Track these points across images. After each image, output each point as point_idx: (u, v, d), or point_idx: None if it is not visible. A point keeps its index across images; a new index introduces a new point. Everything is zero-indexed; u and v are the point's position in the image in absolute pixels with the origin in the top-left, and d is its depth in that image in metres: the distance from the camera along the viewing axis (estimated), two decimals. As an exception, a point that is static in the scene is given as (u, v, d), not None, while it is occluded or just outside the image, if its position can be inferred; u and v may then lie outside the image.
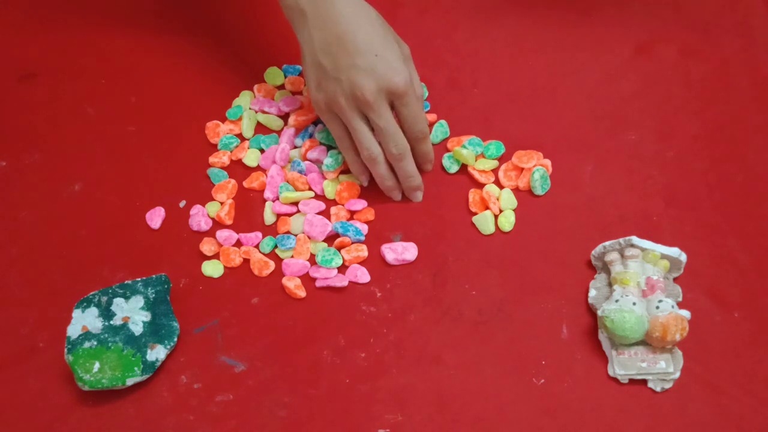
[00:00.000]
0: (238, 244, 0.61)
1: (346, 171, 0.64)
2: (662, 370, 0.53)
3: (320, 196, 0.63)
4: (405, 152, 0.59)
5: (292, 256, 0.60)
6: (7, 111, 0.69)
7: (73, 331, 0.54)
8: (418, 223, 0.61)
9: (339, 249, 0.60)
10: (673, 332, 0.51)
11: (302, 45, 0.58)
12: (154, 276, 0.57)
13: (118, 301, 0.56)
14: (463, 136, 0.65)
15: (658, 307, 0.52)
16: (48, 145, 0.67)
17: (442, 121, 0.66)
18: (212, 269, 0.59)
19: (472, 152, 0.63)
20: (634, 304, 0.53)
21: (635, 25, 0.72)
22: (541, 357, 0.55)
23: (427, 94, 0.68)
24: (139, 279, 0.57)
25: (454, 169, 0.63)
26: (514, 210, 0.61)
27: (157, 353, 0.54)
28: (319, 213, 0.61)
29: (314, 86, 0.58)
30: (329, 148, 0.64)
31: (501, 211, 0.61)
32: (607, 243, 0.57)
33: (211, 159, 0.65)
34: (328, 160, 0.62)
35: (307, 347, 0.56)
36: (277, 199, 0.63)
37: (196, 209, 0.62)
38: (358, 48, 0.55)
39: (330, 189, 0.62)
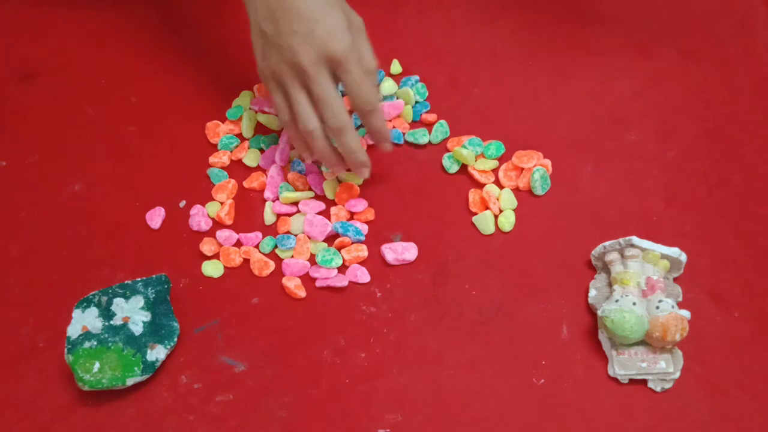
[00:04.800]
0: (238, 244, 0.61)
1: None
2: (662, 370, 0.53)
3: (320, 196, 0.63)
4: (345, 125, 0.55)
5: (292, 256, 0.60)
6: (7, 111, 0.69)
7: (73, 331, 0.54)
8: (418, 223, 0.61)
9: (339, 249, 0.60)
10: (673, 332, 0.51)
11: (249, 15, 0.57)
12: (154, 276, 0.57)
13: (118, 301, 0.56)
14: (463, 136, 0.65)
15: (658, 307, 0.52)
16: (48, 145, 0.67)
17: (442, 121, 0.66)
18: (212, 269, 0.59)
19: (472, 152, 0.63)
20: (634, 304, 0.53)
21: (635, 25, 0.72)
22: (541, 357, 0.55)
23: (426, 94, 0.68)
24: (139, 279, 0.57)
25: (454, 169, 0.63)
26: (514, 210, 0.61)
27: (157, 353, 0.54)
28: (319, 213, 0.61)
29: (260, 55, 0.57)
30: None
31: (501, 211, 0.61)
32: (607, 243, 0.57)
33: (211, 159, 0.65)
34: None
35: (307, 347, 0.56)
36: (277, 199, 0.63)
37: (196, 209, 0.62)
38: (299, 13, 0.53)
39: (330, 189, 0.62)
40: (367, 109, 0.56)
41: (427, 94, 0.68)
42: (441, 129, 0.65)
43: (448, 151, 0.65)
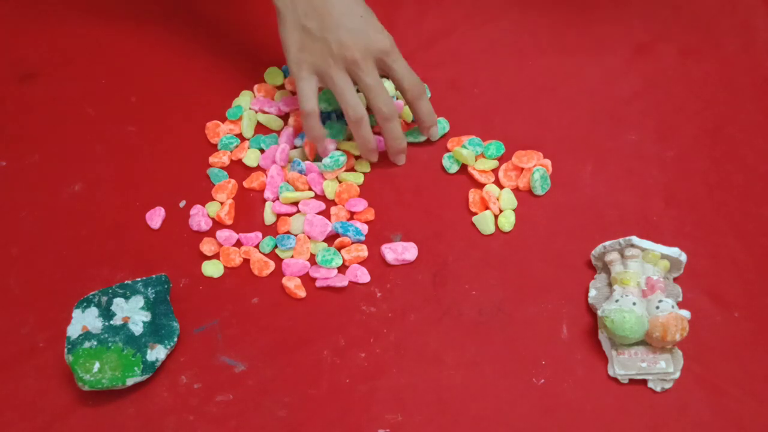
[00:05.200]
0: (238, 244, 0.61)
1: (346, 170, 0.64)
2: (662, 370, 0.53)
3: (320, 196, 0.63)
4: (394, 113, 0.60)
5: (292, 256, 0.60)
6: (7, 111, 0.69)
7: (73, 331, 0.54)
8: (418, 223, 0.61)
9: (339, 249, 0.60)
10: (673, 332, 0.51)
11: (282, 10, 0.59)
12: (154, 276, 0.57)
13: (118, 301, 0.56)
14: (463, 136, 0.65)
15: (658, 307, 0.52)
16: (48, 145, 0.67)
17: (441, 119, 0.65)
18: (212, 269, 0.59)
19: (472, 152, 0.63)
20: (634, 304, 0.53)
21: (635, 25, 0.72)
22: (541, 357, 0.55)
23: (429, 94, 0.68)
24: (139, 279, 0.57)
25: (454, 169, 0.63)
26: (514, 210, 0.61)
27: (157, 353, 0.54)
28: (319, 213, 0.61)
29: (296, 48, 0.59)
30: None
31: (501, 211, 0.61)
32: (607, 243, 0.57)
33: (211, 159, 0.65)
34: (327, 161, 0.62)
35: (307, 347, 0.56)
36: (277, 199, 0.63)
37: (196, 209, 0.62)
38: (344, 10, 0.57)
39: (330, 189, 0.62)
40: (417, 93, 0.61)
41: (429, 95, 0.68)
42: (440, 125, 0.65)
43: (448, 151, 0.65)
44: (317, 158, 0.64)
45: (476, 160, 0.64)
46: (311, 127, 0.60)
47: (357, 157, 0.64)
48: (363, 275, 0.58)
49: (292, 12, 0.58)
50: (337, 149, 0.63)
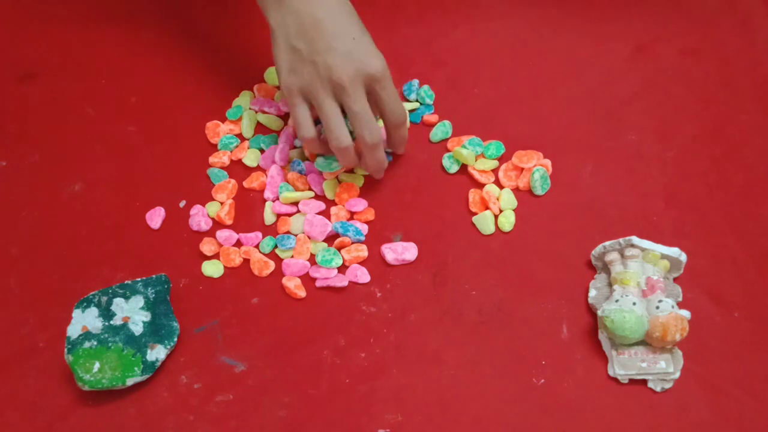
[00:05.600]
0: (238, 244, 0.61)
1: (346, 171, 0.64)
2: (662, 370, 0.53)
3: (320, 196, 0.63)
4: (378, 141, 0.57)
5: (292, 256, 0.60)
6: (7, 111, 0.69)
7: (73, 331, 0.54)
8: (418, 223, 0.61)
9: (339, 249, 0.60)
10: (673, 332, 0.51)
11: (275, 30, 0.57)
12: (154, 276, 0.57)
13: (118, 301, 0.56)
14: (463, 136, 0.65)
15: (658, 307, 0.52)
16: (48, 145, 0.67)
17: (446, 122, 0.65)
18: (212, 269, 0.59)
19: (472, 152, 0.63)
20: (634, 304, 0.53)
21: (635, 25, 0.72)
22: (541, 357, 0.55)
23: (434, 97, 0.67)
24: (139, 279, 0.57)
25: (454, 169, 0.63)
26: (514, 210, 0.61)
27: (157, 353, 0.54)
28: (319, 213, 0.61)
29: (286, 71, 0.57)
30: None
31: (501, 211, 0.61)
32: (607, 243, 0.57)
33: (211, 159, 0.65)
34: (320, 161, 0.62)
35: (307, 347, 0.56)
36: (277, 199, 0.63)
37: (196, 209, 0.62)
38: (336, 32, 0.55)
39: (330, 189, 0.62)
40: (399, 122, 0.59)
41: (434, 97, 0.67)
42: (442, 128, 0.65)
43: (448, 151, 0.65)
44: (317, 158, 0.64)
45: (476, 160, 0.64)
46: (314, 149, 0.60)
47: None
48: (363, 275, 0.58)
49: (283, 31, 0.56)
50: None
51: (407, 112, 0.59)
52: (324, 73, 0.55)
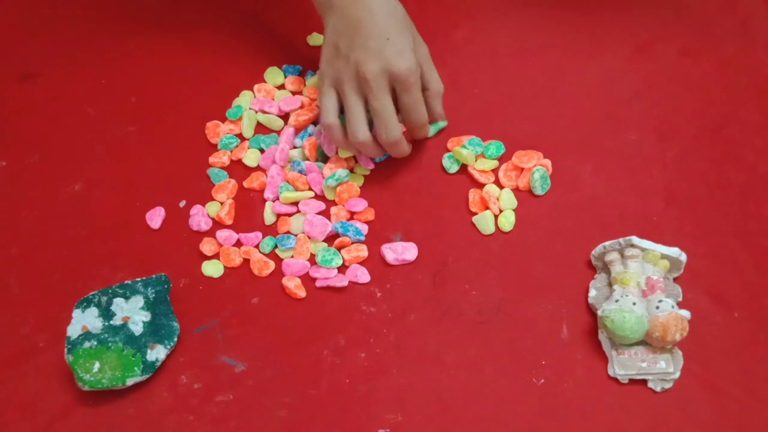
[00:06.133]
0: (238, 244, 0.61)
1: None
2: (662, 370, 0.53)
3: (320, 196, 0.63)
4: (397, 140, 0.59)
5: (292, 256, 0.60)
6: (7, 111, 0.69)
7: (73, 331, 0.54)
8: (418, 223, 0.61)
9: (339, 249, 0.60)
10: (673, 332, 0.51)
11: (326, 27, 0.61)
12: (154, 276, 0.57)
13: (118, 301, 0.56)
14: (463, 136, 0.65)
15: (658, 307, 0.52)
16: (48, 145, 0.67)
17: (469, 140, 0.65)
18: (212, 269, 0.59)
19: (472, 152, 0.63)
20: (634, 304, 0.53)
21: (635, 25, 0.72)
22: (541, 357, 0.55)
23: (443, 125, 0.67)
24: (139, 279, 0.57)
25: (454, 169, 0.63)
26: (514, 210, 0.61)
27: (157, 353, 0.54)
28: (319, 213, 0.61)
29: (324, 63, 0.60)
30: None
31: (501, 211, 0.61)
32: (607, 243, 0.57)
33: (211, 159, 0.65)
34: (329, 181, 0.62)
35: (307, 347, 0.56)
36: (277, 199, 0.63)
37: (196, 209, 0.62)
38: (371, 31, 0.57)
39: (330, 189, 0.62)
40: (417, 126, 0.61)
41: (445, 126, 0.67)
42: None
43: (448, 151, 0.65)
44: (317, 158, 0.64)
45: (476, 160, 0.64)
46: (334, 138, 0.61)
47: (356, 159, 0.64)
48: (363, 275, 0.58)
49: (331, 31, 0.60)
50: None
51: (426, 117, 0.61)
52: (353, 67, 0.57)
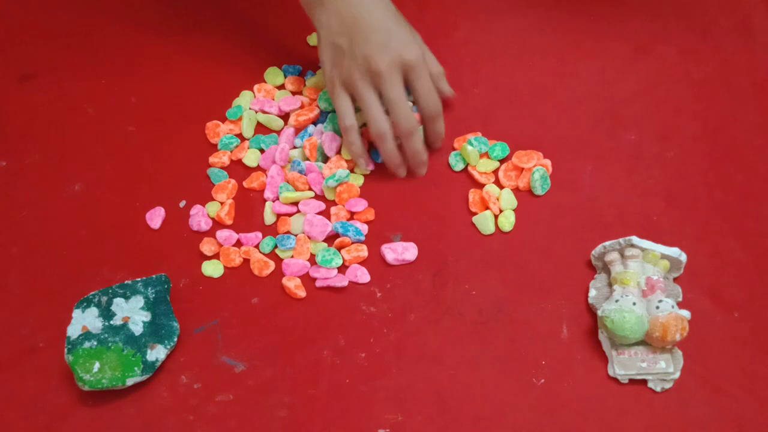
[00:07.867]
0: (238, 244, 0.61)
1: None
2: (662, 370, 0.53)
3: (320, 196, 0.63)
4: (414, 128, 0.60)
5: (292, 256, 0.60)
6: (7, 111, 0.69)
7: (73, 331, 0.54)
8: (418, 223, 0.61)
9: (339, 249, 0.60)
10: (673, 332, 0.51)
11: (319, 30, 0.61)
12: (154, 276, 0.57)
13: (118, 301, 0.56)
14: (469, 134, 0.65)
15: (658, 307, 0.52)
16: (48, 145, 0.67)
17: (502, 143, 0.64)
18: (212, 269, 0.59)
19: (476, 149, 0.63)
20: (634, 304, 0.53)
21: (635, 25, 0.72)
22: (541, 357, 0.55)
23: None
24: (139, 279, 0.57)
25: (459, 166, 0.64)
26: (514, 210, 0.61)
27: (157, 353, 0.54)
28: (319, 213, 0.61)
29: (329, 66, 0.61)
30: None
31: (501, 211, 0.61)
32: (607, 243, 0.57)
33: (211, 159, 0.65)
34: (330, 181, 0.62)
35: (307, 347, 0.56)
36: (277, 199, 0.63)
37: (196, 209, 0.62)
38: (372, 26, 0.58)
39: (330, 189, 0.62)
40: (434, 114, 0.61)
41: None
42: (501, 147, 0.64)
43: (453, 149, 0.65)
44: (318, 158, 0.64)
45: (480, 159, 0.64)
46: (351, 143, 0.61)
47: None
48: (363, 275, 0.58)
49: (327, 30, 0.60)
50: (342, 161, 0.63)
51: (440, 104, 0.61)
52: (362, 63, 0.58)
